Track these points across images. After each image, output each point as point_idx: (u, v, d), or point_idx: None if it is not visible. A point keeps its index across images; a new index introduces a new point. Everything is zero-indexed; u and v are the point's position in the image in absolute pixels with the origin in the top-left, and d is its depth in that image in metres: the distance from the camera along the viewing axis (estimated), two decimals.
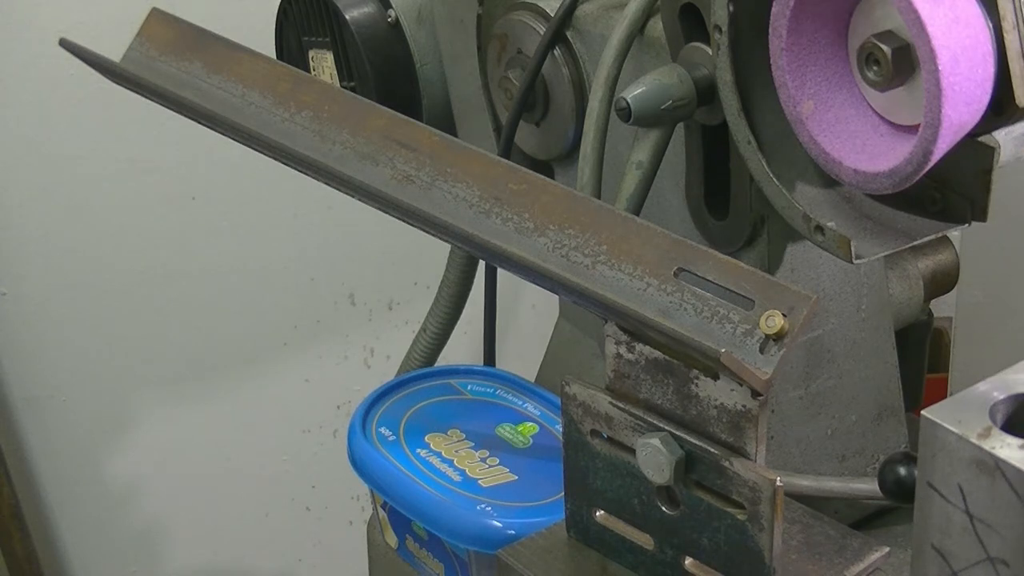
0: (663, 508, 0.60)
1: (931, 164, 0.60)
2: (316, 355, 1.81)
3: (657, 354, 0.59)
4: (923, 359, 0.99)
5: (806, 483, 0.81)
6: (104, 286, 1.61)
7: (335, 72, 1.06)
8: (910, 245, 0.68)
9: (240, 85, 0.74)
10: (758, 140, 0.70)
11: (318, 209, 1.69)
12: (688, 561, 0.60)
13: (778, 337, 0.54)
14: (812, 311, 0.53)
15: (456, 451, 0.85)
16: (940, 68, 0.57)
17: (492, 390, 0.93)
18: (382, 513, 0.91)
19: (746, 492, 0.56)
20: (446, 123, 1.06)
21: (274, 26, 1.10)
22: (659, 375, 0.59)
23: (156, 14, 0.79)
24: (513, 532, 0.77)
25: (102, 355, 1.64)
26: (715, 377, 0.56)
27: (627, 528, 0.63)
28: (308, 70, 1.09)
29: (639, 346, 0.59)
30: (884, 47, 0.61)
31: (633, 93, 0.74)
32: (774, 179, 0.69)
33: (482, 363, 1.05)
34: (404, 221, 0.68)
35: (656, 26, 0.79)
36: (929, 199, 0.68)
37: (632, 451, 0.60)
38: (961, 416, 0.50)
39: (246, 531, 1.84)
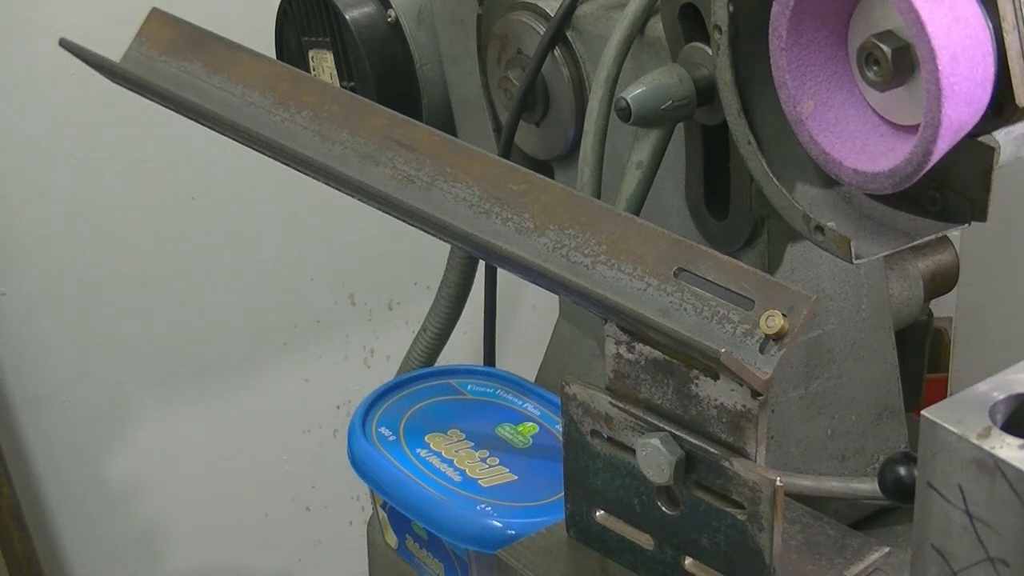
0: (663, 508, 0.60)
1: (931, 164, 0.60)
2: (316, 355, 1.81)
3: (657, 354, 0.59)
4: (923, 359, 0.99)
5: (806, 483, 0.81)
6: (104, 286, 1.61)
7: (335, 72, 1.06)
8: (910, 245, 0.68)
9: (240, 85, 0.74)
10: (758, 140, 0.70)
11: (318, 209, 1.69)
12: (688, 561, 0.60)
13: (778, 337, 0.54)
14: (812, 311, 0.53)
15: (456, 451, 0.85)
16: (940, 68, 0.57)
17: (492, 390, 0.93)
18: (382, 513, 0.91)
19: (746, 492, 0.56)
20: (446, 123, 1.06)
21: (274, 26, 1.10)
22: (659, 375, 0.59)
23: (156, 14, 0.79)
24: (513, 532, 0.77)
25: (102, 355, 1.64)
26: (715, 377, 0.56)
27: (627, 528, 0.63)
28: (308, 70, 1.08)
29: (639, 346, 0.59)
30: (884, 47, 0.61)
31: (633, 93, 0.74)
32: (774, 179, 0.69)
33: (482, 363, 1.05)
34: (404, 221, 0.68)
35: (656, 26, 0.79)
36: (929, 199, 0.68)
37: (632, 451, 0.60)
38: (961, 416, 0.50)
39: (246, 531, 1.84)
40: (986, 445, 0.48)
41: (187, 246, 1.65)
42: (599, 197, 0.81)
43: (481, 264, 1.09)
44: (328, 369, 1.83)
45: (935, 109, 0.58)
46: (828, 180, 0.69)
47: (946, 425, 0.50)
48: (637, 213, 0.79)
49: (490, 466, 0.84)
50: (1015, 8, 0.59)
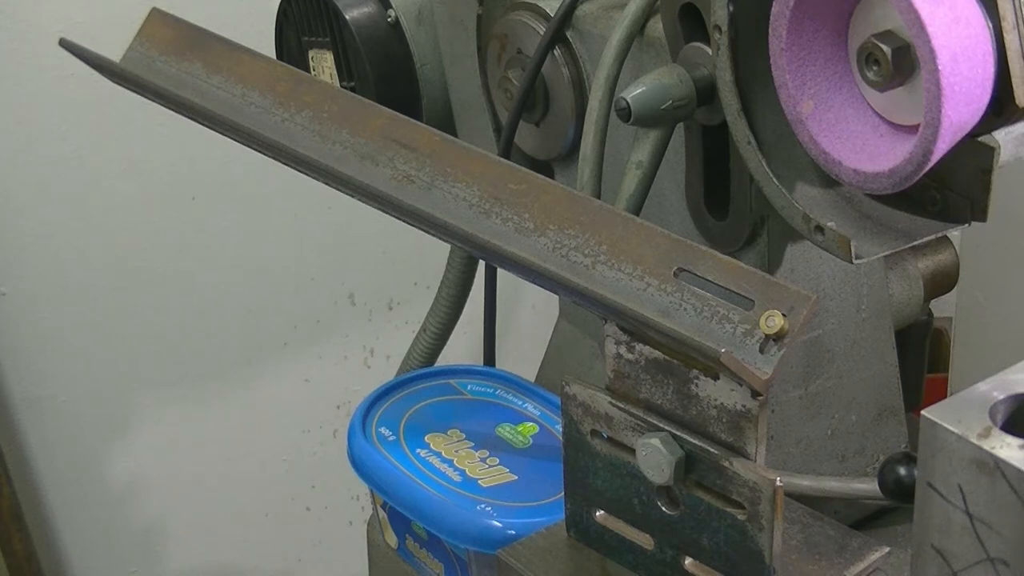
0: (663, 508, 0.60)
1: (931, 164, 0.60)
2: (316, 355, 1.81)
3: (657, 354, 0.59)
4: (923, 359, 0.99)
5: (806, 483, 0.81)
6: (104, 286, 1.61)
7: (335, 72, 1.06)
8: (910, 245, 0.68)
9: (240, 85, 0.74)
10: (758, 140, 0.70)
11: (318, 209, 1.69)
12: (688, 561, 0.60)
13: (778, 337, 0.54)
14: (812, 311, 0.53)
15: (456, 451, 0.85)
16: (940, 68, 0.57)
17: (492, 390, 0.93)
18: (382, 513, 0.91)
19: (746, 492, 0.56)
20: (446, 123, 1.06)
21: (274, 26, 1.10)
22: (659, 375, 0.59)
23: (156, 14, 0.79)
24: (513, 532, 0.77)
25: (102, 355, 1.64)
26: (715, 377, 0.56)
27: (627, 528, 0.63)
28: (308, 70, 1.08)
29: (639, 346, 0.59)
30: (884, 47, 0.61)
31: (633, 93, 0.74)
32: (774, 179, 0.69)
33: (482, 363, 1.05)
34: (404, 221, 0.68)
35: (656, 26, 0.79)
36: (929, 199, 0.68)
37: (632, 451, 0.60)
38: (961, 416, 0.50)
39: (246, 531, 1.84)
40: (986, 445, 0.48)
41: (187, 246, 1.65)
42: (599, 197, 0.81)
43: (481, 264, 1.09)
44: (328, 369, 1.83)
45: (935, 109, 0.58)
46: (828, 180, 0.69)
47: (946, 425, 0.50)
48: (637, 213, 0.79)
49: (490, 466, 0.84)
50: (1015, 8, 0.59)
